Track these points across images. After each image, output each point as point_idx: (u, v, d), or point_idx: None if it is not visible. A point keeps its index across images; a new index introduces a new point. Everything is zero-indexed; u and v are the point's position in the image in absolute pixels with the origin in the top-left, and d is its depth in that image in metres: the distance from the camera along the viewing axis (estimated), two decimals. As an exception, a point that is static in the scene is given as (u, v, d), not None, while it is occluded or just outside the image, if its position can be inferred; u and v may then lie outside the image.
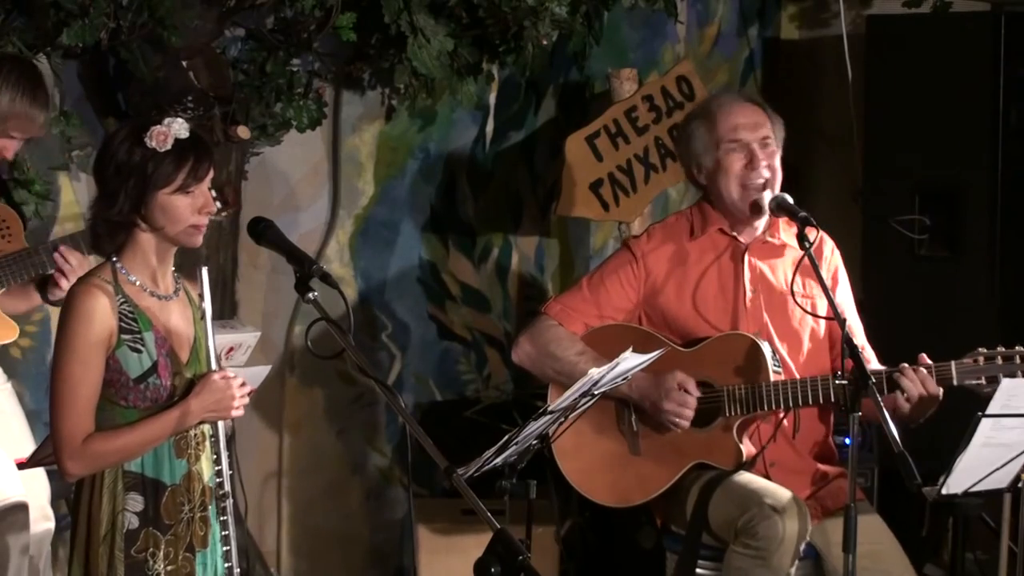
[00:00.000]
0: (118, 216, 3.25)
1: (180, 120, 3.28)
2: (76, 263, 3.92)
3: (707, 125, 4.17)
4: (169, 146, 3.24)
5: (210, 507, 3.36)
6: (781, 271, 4.19)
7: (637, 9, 5.51)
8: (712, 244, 4.21)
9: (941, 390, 3.97)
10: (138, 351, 3.26)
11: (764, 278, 4.18)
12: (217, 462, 3.39)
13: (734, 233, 4.20)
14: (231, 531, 3.40)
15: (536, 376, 4.34)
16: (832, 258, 4.26)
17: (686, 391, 4.07)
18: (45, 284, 4.01)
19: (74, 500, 3.38)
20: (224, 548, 3.40)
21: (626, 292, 4.23)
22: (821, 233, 4.24)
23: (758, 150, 4.12)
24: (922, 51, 5.45)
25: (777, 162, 4.16)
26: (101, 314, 3.23)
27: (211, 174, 3.32)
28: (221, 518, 3.38)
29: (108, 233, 3.29)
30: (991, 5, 5.66)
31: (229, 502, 3.39)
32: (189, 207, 3.28)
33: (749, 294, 4.17)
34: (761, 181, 4.11)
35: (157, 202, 3.26)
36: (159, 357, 3.28)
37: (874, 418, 4.05)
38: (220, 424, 3.38)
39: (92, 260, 3.84)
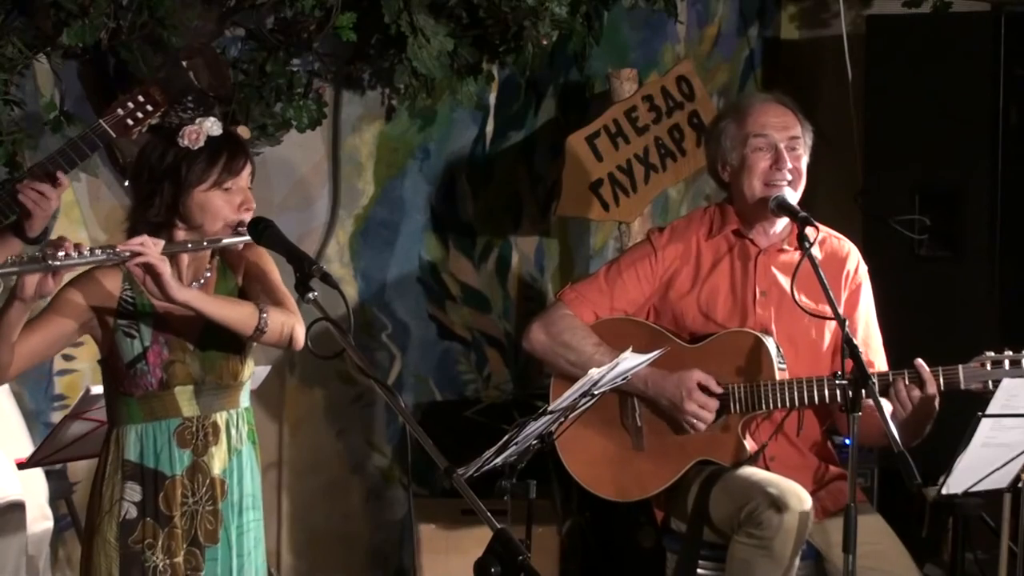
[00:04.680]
0: (156, 218, 3.30)
1: (212, 119, 3.32)
2: (44, 189, 3.79)
3: (736, 122, 4.16)
4: (201, 143, 3.28)
5: (222, 501, 3.36)
6: (799, 281, 4.18)
7: (637, 9, 5.51)
8: (727, 245, 4.21)
9: (935, 394, 3.96)
10: (132, 336, 3.30)
11: (776, 283, 4.18)
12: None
13: (750, 236, 4.20)
14: None
15: (546, 365, 4.32)
16: (856, 274, 4.25)
17: (707, 390, 4.08)
18: (21, 228, 3.79)
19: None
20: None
21: (641, 286, 4.23)
22: (850, 248, 4.26)
23: (784, 151, 4.11)
24: (922, 51, 5.45)
25: (803, 165, 4.15)
26: (88, 288, 3.30)
27: (248, 170, 3.36)
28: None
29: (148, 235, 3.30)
30: (991, 5, 5.66)
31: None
32: (227, 204, 3.32)
33: (759, 296, 4.17)
34: (784, 182, 4.09)
35: (194, 200, 3.30)
36: (152, 344, 3.30)
37: (875, 441, 4.07)
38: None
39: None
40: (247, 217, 3.34)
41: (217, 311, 3.26)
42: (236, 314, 3.29)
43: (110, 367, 3.34)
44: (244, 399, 3.43)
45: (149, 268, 3.16)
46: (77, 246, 3.14)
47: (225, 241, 3.32)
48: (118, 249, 3.16)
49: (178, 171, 3.29)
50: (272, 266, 3.46)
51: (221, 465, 3.37)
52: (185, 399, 3.33)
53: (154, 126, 3.64)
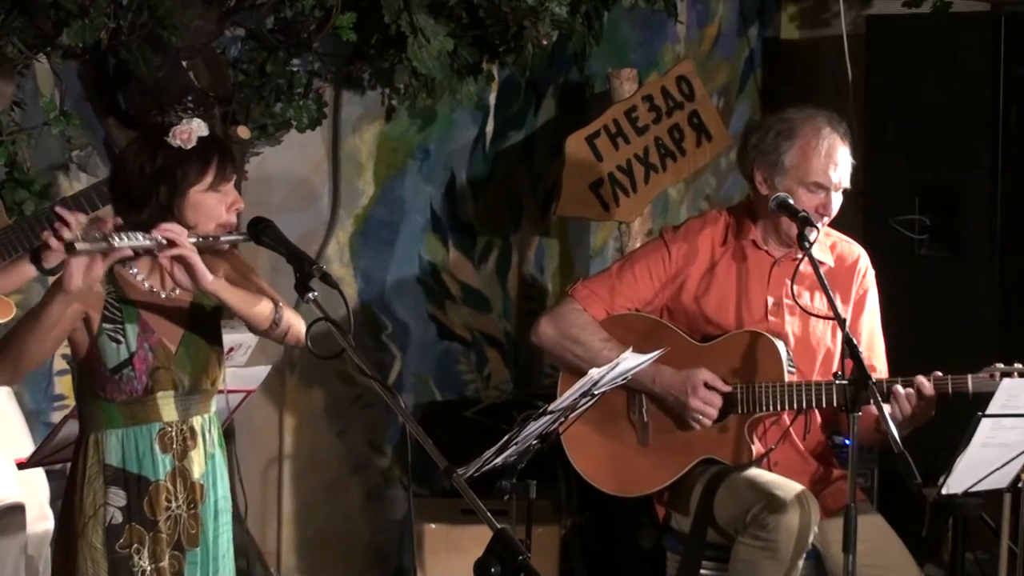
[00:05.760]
0: (148, 221, 3.26)
1: (198, 120, 3.31)
2: (74, 222, 3.79)
3: (802, 153, 4.08)
4: (194, 143, 3.26)
5: (201, 505, 3.36)
6: (807, 286, 4.18)
7: (637, 9, 5.51)
8: (742, 253, 4.20)
9: (934, 403, 3.96)
10: (117, 341, 3.28)
11: (789, 293, 4.17)
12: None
13: (766, 248, 4.20)
14: None
15: (555, 359, 4.33)
16: (864, 278, 4.25)
17: (713, 389, 4.08)
18: (38, 255, 3.77)
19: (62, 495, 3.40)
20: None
21: (652, 283, 4.23)
22: (860, 252, 4.27)
23: (833, 198, 4.11)
24: (922, 51, 5.45)
25: (840, 203, 4.15)
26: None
27: (235, 175, 3.36)
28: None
29: None
30: (991, 5, 5.66)
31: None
32: (220, 204, 3.31)
33: (771, 306, 4.17)
34: (821, 224, 4.08)
35: (189, 201, 3.28)
36: (138, 350, 3.28)
37: (876, 441, 4.07)
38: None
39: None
40: (234, 218, 3.35)
41: (240, 304, 3.29)
42: (257, 307, 3.32)
43: (89, 371, 3.30)
44: (213, 404, 3.44)
45: (182, 257, 3.17)
46: (120, 227, 3.14)
47: (228, 238, 3.32)
48: (154, 235, 3.16)
49: (173, 172, 3.26)
50: (251, 269, 3.46)
51: (200, 469, 3.36)
52: (167, 404, 3.31)
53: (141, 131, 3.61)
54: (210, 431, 3.40)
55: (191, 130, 3.28)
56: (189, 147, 3.27)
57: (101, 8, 4.29)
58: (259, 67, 4.86)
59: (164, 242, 3.17)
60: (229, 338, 4.09)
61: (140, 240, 3.16)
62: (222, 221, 3.31)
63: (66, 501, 3.35)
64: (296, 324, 3.40)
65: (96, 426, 3.31)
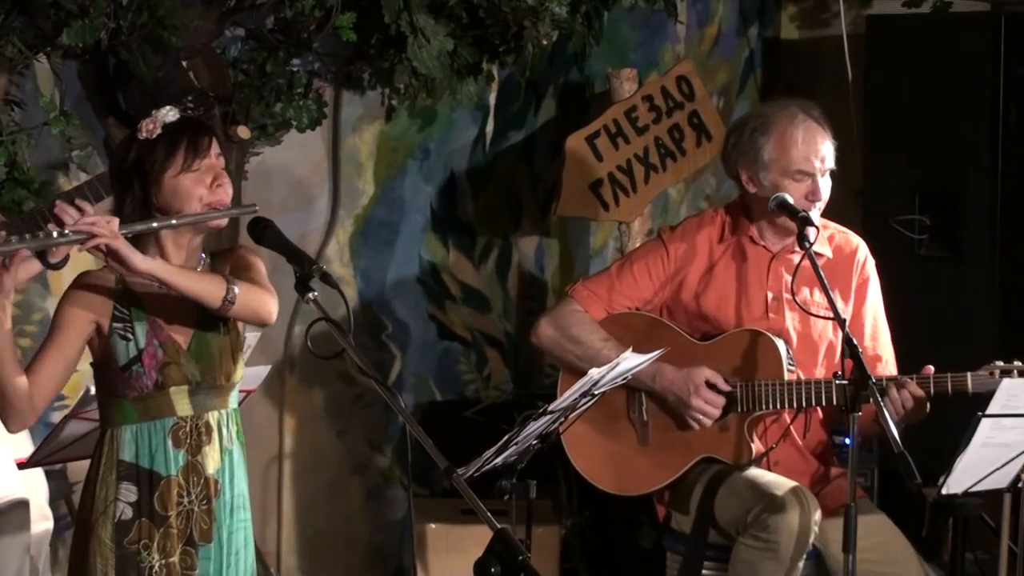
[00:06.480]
0: (132, 215, 3.26)
1: (167, 107, 3.30)
2: (75, 215, 3.77)
3: (779, 145, 4.09)
4: (159, 131, 3.26)
5: (215, 501, 3.36)
6: (807, 281, 4.19)
7: (637, 9, 5.51)
8: (740, 250, 4.21)
9: (927, 404, 3.97)
10: (127, 339, 3.28)
11: (789, 287, 4.18)
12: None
13: (763, 243, 4.20)
14: None
15: (555, 359, 4.33)
16: (864, 268, 4.25)
17: (715, 388, 4.08)
18: (43, 251, 3.86)
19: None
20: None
21: (652, 282, 4.24)
22: (859, 242, 4.27)
23: (820, 182, 4.11)
24: (922, 51, 5.45)
25: (829, 185, 4.15)
26: (83, 299, 3.27)
27: (214, 149, 3.31)
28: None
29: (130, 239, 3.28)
30: (991, 5, 5.66)
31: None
32: (198, 184, 3.27)
33: (771, 301, 4.18)
34: (814, 209, 4.09)
35: (166, 188, 3.27)
36: (147, 346, 3.28)
37: (874, 433, 4.08)
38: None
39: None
40: (222, 194, 3.30)
41: (182, 281, 3.21)
42: (202, 284, 3.24)
43: (104, 370, 3.32)
44: (233, 400, 3.42)
45: (106, 246, 3.12)
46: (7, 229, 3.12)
47: (193, 218, 3.27)
48: (67, 231, 3.10)
49: (141, 164, 3.27)
50: (256, 260, 3.43)
51: (214, 465, 3.35)
52: (180, 399, 3.31)
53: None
54: (228, 427, 3.38)
55: (155, 120, 3.27)
56: (154, 136, 3.27)
57: (101, 8, 4.29)
58: (259, 67, 4.87)
59: (71, 237, 3.11)
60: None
61: (47, 238, 3.10)
62: (206, 200, 3.28)
63: (82, 498, 3.37)
64: (254, 303, 3.29)
65: (113, 423, 3.32)
